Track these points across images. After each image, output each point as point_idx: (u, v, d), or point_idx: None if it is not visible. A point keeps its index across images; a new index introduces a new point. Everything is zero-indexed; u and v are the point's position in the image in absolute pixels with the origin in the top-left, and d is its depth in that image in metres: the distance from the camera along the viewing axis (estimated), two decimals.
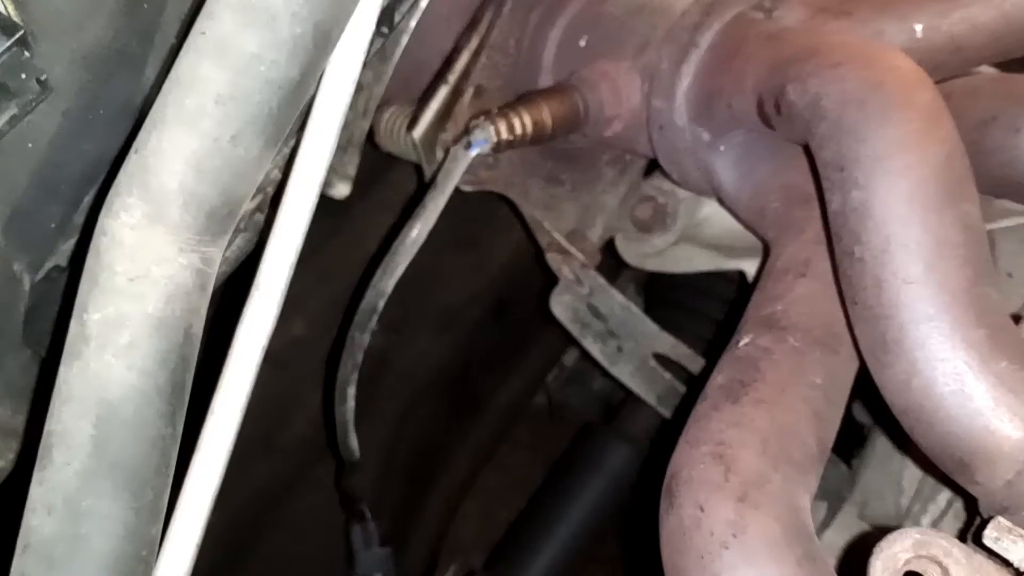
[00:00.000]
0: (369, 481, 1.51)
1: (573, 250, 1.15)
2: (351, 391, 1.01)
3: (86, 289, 0.57)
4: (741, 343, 0.80)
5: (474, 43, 1.08)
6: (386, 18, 0.93)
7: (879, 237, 0.70)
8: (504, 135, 0.98)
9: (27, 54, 0.53)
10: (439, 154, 1.08)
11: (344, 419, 1.03)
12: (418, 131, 1.08)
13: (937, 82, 0.83)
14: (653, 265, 1.19)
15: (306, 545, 1.38)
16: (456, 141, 1.01)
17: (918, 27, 0.91)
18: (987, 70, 0.95)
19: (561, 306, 1.21)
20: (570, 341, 1.74)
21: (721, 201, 1.01)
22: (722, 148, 0.98)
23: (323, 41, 0.58)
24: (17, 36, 0.52)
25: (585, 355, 1.75)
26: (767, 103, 0.87)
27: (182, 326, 0.58)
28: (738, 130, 0.95)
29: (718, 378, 0.77)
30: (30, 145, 0.61)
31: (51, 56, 0.58)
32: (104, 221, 0.58)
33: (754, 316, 0.83)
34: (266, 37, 0.55)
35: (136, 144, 0.58)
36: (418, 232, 0.95)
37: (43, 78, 0.54)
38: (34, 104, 0.55)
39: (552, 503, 1.45)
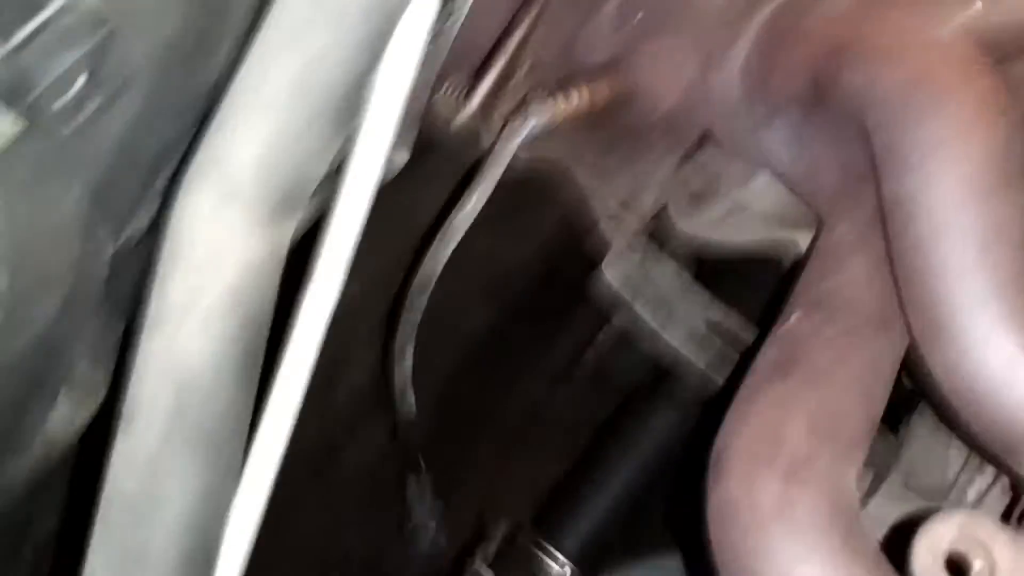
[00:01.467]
0: (421, 438, 1.56)
1: (620, 223, 1.16)
2: (409, 349, 1.04)
3: (166, 261, 0.61)
4: (792, 319, 0.81)
5: (531, 16, 1.09)
6: None
7: (933, 221, 0.71)
8: (562, 110, 0.99)
9: (114, 46, 0.56)
10: (496, 126, 1.10)
11: (403, 376, 1.06)
12: (475, 102, 1.10)
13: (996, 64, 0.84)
14: (705, 236, 1.20)
15: (355, 501, 1.43)
16: (512, 113, 1.03)
17: (978, 4, 0.90)
18: None
19: (613, 272, 1.22)
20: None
21: (775, 175, 1.01)
22: (777, 123, 0.98)
23: (386, 33, 0.60)
24: (105, 29, 0.55)
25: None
26: (822, 84, 0.87)
27: (257, 298, 0.61)
28: (793, 106, 0.95)
29: (768, 353, 0.79)
30: (114, 127, 0.64)
31: (135, 46, 0.61)
32: (183, 198, 0.61)
33: (805, 292, 0.85)
34: (337, 30, 0.57)
35: (214, 124, 0.61)
36: (475, 203, 0.98)
37: (129, 70, 0.57)
38: (121, 94, 0.58)
39: (598, 466, 1.48)
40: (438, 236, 0.99)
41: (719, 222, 1.18)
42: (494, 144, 1.01)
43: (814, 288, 0.84)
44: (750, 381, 0.76)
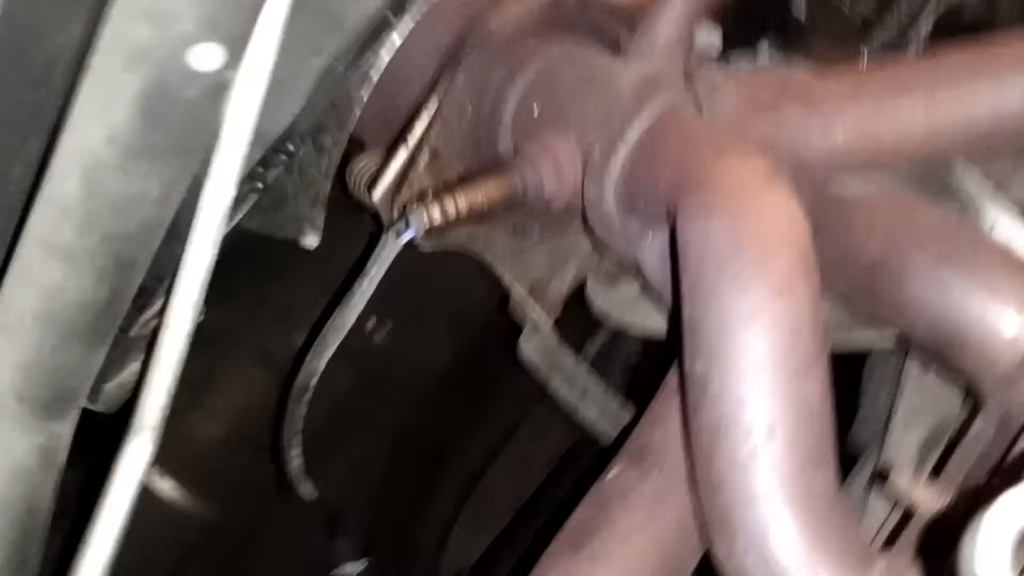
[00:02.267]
0: (376, 475, 1.62)
1: (531, 306, 1.17)
2: (295, 452, 1.08)
3: None
4: (609, 475, 0.82)
5: (431, 108, 1.09)
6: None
7: (713, 413, 0.71)
8: (437, 221, 1.00)
9: None
10: (395, 214, 1.11)
11: (292, 476, 1.11)
12: (377, 194, 1.11)
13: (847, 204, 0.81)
14: (616, 316, 1.20)
15: (300, 545, 1.50)
16: (401, 217, 1.04)
17: (839, 132, 0.87)
18: None
19: (528, 350, 1.24)
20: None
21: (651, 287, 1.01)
22: (649, 240, 0.97)
23: (128, 265, 0.62)
24: None
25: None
26: (671, 221, 0.86)
27: (25, 505, 0.66)
28: (661, 229, 0.94)
29: (576, 516, 0.80)
30: None
31: None
32: None
33: (634, 441, 0.85)
34: (67, 269, 0.60)
35: None
36: (347, 318, 1.00)
37: None
38: None
39: (536, 514, 1.52)
40: (311, 351, 1.02)
41: (631, 303, 1.18)
42: (375, 250, 1.03)
43: (641, 436, 0.85)
44: (550, 548, 0.78)
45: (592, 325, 1.82)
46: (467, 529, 1.82)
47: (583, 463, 1.56)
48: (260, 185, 0.88)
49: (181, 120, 0.57)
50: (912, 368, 1.03)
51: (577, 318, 1.30)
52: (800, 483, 0.69)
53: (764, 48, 1.35)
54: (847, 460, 1.07)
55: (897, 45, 1.30)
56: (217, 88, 0.57)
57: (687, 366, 0.74)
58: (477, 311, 1.66)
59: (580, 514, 0.80)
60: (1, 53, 0.65)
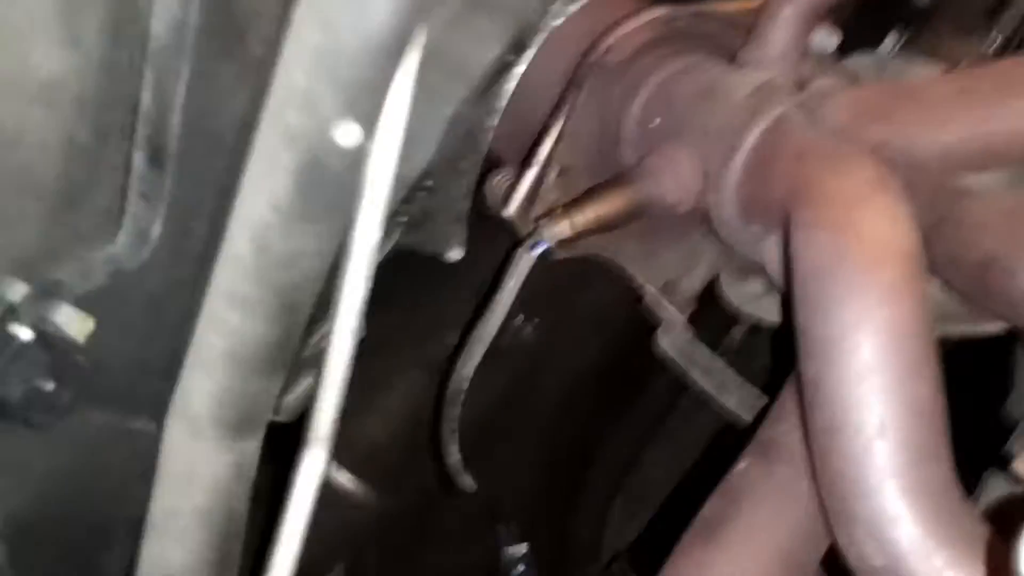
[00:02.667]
0: (531, 468, 1.71)
1: (663, 304, 1.23)
2: (453, 448, 1.19)
3: (158, 479, 0.79)
4: (737, 468, 0.88)
5: (557, 126, 1.17)
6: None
7: (825, 413, 0.76)
8: (566, 234, 1.07)
9: None
10: (528, 228, 1.19)
11: (452, 470, 1.21)
12: (509, 211, 1.20)
13: (959, 202, 0.84)
14: (750, 310, 1.24)
15: (464, 534, 1.61)
16: (532, 231, 1.12)
17: (950, 136, 0.89)
18: None
19: (665, 344, 1.30)
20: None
21: (776, 287, 1.05)
22: (772, 240, 1.01)
23: (295, 309, 0.73)
24: None
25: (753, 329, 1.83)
26: (783, 228, 0.90)
27: (224, 512, 0.78)
28: (780, 231, 0.98)
29: (707, 508, 0.87)
30: None
31: None
32: (166, 432, 0.79)
33: (761, 435, 0.91)
34: (247, 316, 0.72)
35: (183, 375, 0.78)
36: (489, 328, 1.09)
37: None
38: None
39: (693, 493, 1.58)
40: (458, 360, 1.11)
41: (758, 298, 1.22)
42: (511, 264, 1.11)
43: (768, 430, 0.90)
44: (684, 538, 0.85)
45: (728, 320, 1.86)
46: (624, 512, 1.89)
47: (733, 445, 1.60)
48: (404, 218, 0.98)
49: (330, 188, 0.67)
50: None
51: (714, 313, 1.35)
52: (912, 476, 0.73)
53: (888, 44, 1.36)
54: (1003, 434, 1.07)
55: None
56: (358, 157, 0.66)
57: (801, 368, 0.79)
58: (621, 305, 1.73)
59: (711, 506, 0.86)
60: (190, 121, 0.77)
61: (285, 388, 1.04)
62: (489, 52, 0.91)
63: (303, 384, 1.09)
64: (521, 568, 1.40)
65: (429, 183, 0.99)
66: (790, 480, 0.84)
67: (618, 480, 1.81)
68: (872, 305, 0.75)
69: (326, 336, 0.91)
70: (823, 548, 0.84)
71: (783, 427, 0.89)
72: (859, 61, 1.16)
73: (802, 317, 0.79)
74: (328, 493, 0.86)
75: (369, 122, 0.67)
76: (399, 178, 0.74)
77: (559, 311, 1.70)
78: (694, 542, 0.83)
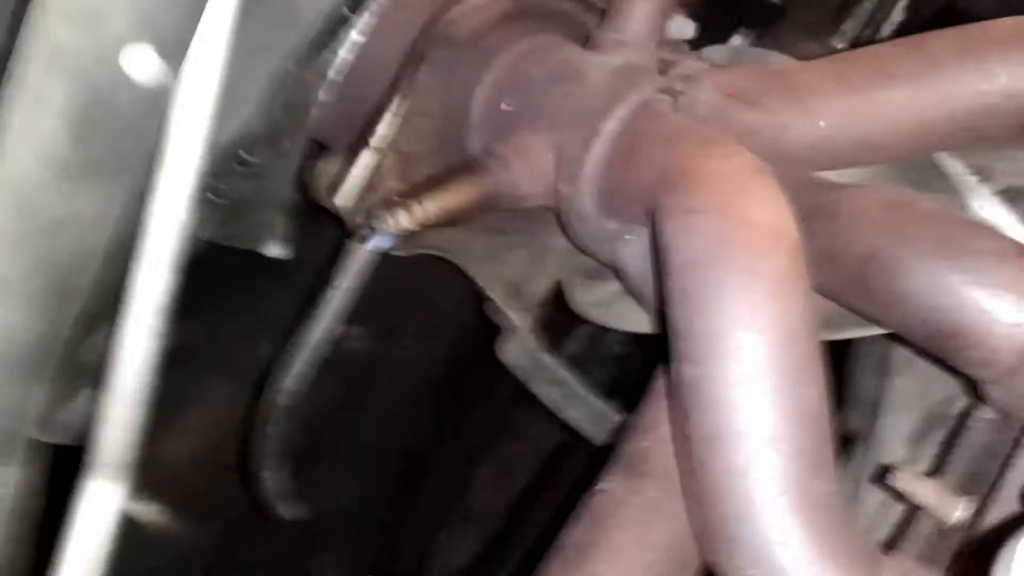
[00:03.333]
0: (357, 487, 1.57)
1: (508, 309, 1.12)
2: (267, 474, 1.03)
3: None
4: (600, 487, 0.78)
5: (394, 106, 1.04)
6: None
7: (706, 420, 0.67)
8: (406, 226, 0.95)
9: None
10: (360, 220, 1.06)
11: (267, 497, 1.06)
12: (339, 199, 1.06)
13: (833, 193, 0.78)
14: (596, 316, 1.15)
15: (279, 564, 1.45)
16: (368, 222, 0.99)
17: (823, 124, 0.83)
18: None
19: (507, 353, 1.20)
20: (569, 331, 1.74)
21: (630, 287, 0.96)
22: (628, 239, 0.93)
23: (64, 293, 0.57)
24: None
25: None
26: (650, 218, 0.82)
27: None
28: (641, 226, 0.90)
29: (568, 532, 0.76)
30: None
31: None
32: None
33: (623, 451, 0.81)
34: (1, 303, 0.55)
35: None
36: (317, 332, 0.95)
37: None
38: None
39: (528, 514, 1.49)
40: (280, 369, 0.97)
41: (608, 304, 1.14)
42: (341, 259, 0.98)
43: (631, 444, 0.80)
44: (543, 570, 0.74)
45: (572, 323, 1.79)
46: (451, 537, 1.78)
47: (568, 467, 1.52)
48: (214, 197, 0.83)
49: (119, 133, 0.52)
50: (900, 354, 1.00)
51: (557, 316, 1.27)
52: (802, 491, 0.65)
53: (738, 40, 1.32)
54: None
55: (871, 28, 1.27)
56: (156, 96, 0.52)
57: (676, 371, 0.70)
58: (457, 313, 1.62)
59: (572, 530, 0.75)
60: None
61: (55, 401, 0.86)
62: (324, 0, 0.78)
63: (80, 397, 0.91)
64: None
65: (247, 157, 0.84)
66: (659, 498, 0.75)
67: (448, 501, 1.70)
68: (760, 297, 0.67)
69: (115, 340, 0.76)
70: (696, 568, 0.75)
71: (648, 440, 0.80)
72: (714, 52, 1.10)
73: (679, 312, 0.70)
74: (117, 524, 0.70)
75: (173, 53, 0.53)
76: (211, 141, 0.60)
77: (389, 319, 1.57)
78: (555, 571, 0.72)
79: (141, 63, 0.51)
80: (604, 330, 1.82)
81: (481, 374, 1.72)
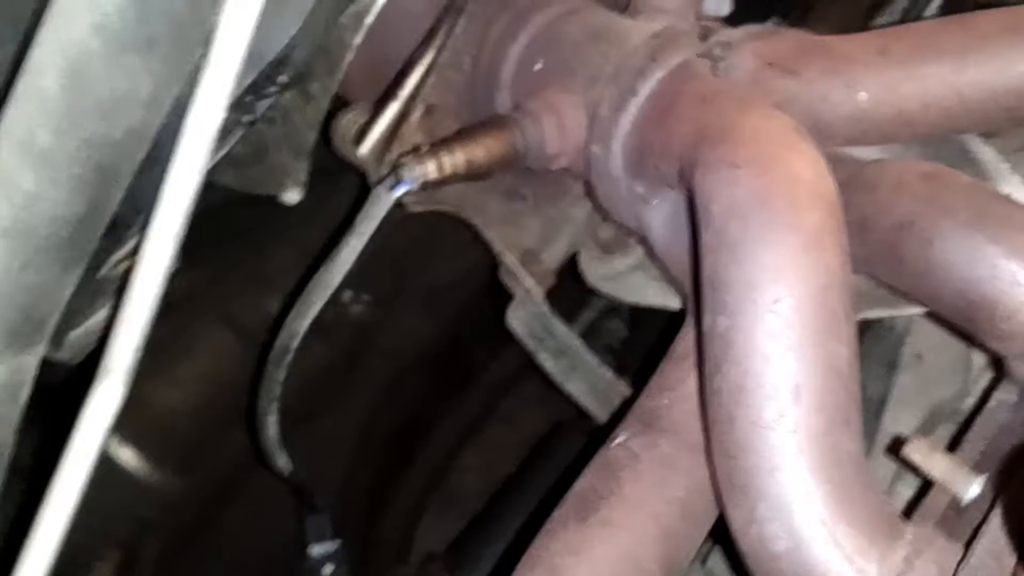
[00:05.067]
0: (345, 457, 1.55)
1: (523, 274, 1.11)
2: (271, 419, 1.02)
3: None
4: (615, 442, 0.77)
5: (427, 58, 1.04)
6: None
7: (737, 371, 0.66)
8: (432, 176, 0.94)
9: None
10: (384, 171, 1.05)
11: (267, 445, 1.04)
12: (364, 148, 1.05)
13: (869, 165, 0.78)
14: (609, 289, 1.15)
15: (265, 524, 1.43)
16: (395, 168, 0.98)
17: (863, 96, 0.83)
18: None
19: (516, 320, 1.18)
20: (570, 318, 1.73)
21: (652, 251, 0.96)
22: (655, 202, 0.93)
23: (110, 176, 0.56)
24: None
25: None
26: (684, 177, 0.81)
27: None
28: (670, 189, 0.90)
29: (581, 482, 0.75)
30: None
31: None
32: None
33: (640, 406, 0.80)
34: (43, 176, 0.54)
35: None
36: (334, 276, 0.94)
37: None
38: None
39: (512, 498, 1.47)
40: (293, 309, 0.95)
41: (623, 276, 1.13)
42: (364, 206, 0.97)
43: (649, 401, 0.80)
44: (555, 515, 0.73)
45: (580, 300, 1.78)
46: (435, 514, 1.76)
47: (557, 451, 1.50)
48: (248, 117, 0.82)
49: (179, 11, 0.51)
50: (906, 351, 1.00)
51: (567, 292, 1.26)
52: (825, 448, 0.64)
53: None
54: None
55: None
56: None
57: (707, 323, 0.69)
58: (456, 291, 1.61)
59: (586, 480, 0.74)
60: None
61: (71, 317, 0.85)
62: None
63: (95, 316, 0.90)
64: (330, 568, 1.23)
65: (283, 79, 0.83)
66: (675, 452, 0.75)
67: (433, 480, 1.68)
68: (796, 250, 0.66)
69: (132, 254, 0.75)
70: (710, 523, 0.74)
71: (667, 398, 0.79)
72: (750, 29, 1.10)
73: (715, 263, 0.69)
74: (105, 469, 0.69)
75: None
76: (253, 49, 0.59)
77: (392, 289, 1.56)
78: (568, 520, 0.71)
79: None
80: (605, 316, 1.82)
81: (475, 355, 1.71)
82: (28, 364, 0.61)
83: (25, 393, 0.62)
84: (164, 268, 0.65)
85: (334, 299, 1.02)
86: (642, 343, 1.63)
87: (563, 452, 1.45)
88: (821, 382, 0.65)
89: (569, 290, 1.20)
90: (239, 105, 0.80)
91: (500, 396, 1.81)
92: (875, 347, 1.12)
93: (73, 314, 0.83)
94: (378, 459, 1.60)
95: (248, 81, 0.76)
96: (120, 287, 0.72)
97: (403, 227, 1.07)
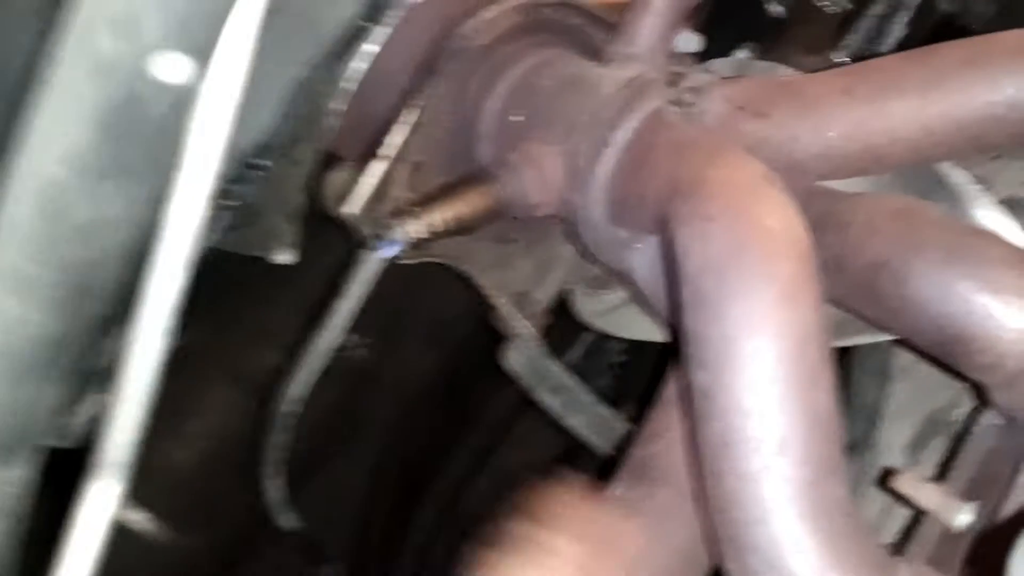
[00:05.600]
0: (358, 500, 1.57)
1: (516, 318, 1.13)
2: (276, 482, 1.04)
3: None
4: (611, 493, 0.79)
5: (408, 118, 1.05)
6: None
7: (721, 426, 0.68)
8: (419, 234, 0.96)
9: None
10: (372, 229, 1.07)
11: (274, 506, 1.06)
12: (352, 208, 1.07)
13: (842, 201, 0.79)
14: (602, 324, 1.16)
15: None
16: (383, 230, 1.00)
17: (832, 134, 0.84)
18: None
19: (513, 361, 1.20)
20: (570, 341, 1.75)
21: (641, 295, 0.97)
22: (638, 247, 0.94)
23: (92, 295, 0.58)
24: None
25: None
26: (663, 227, 0.83)
27: None
28: (652, 234, 0.91)
29: None
30: None
31: None
32: None
33: (634, 456, 0.82)
34: (26, 302, 0.56)
35: None
36: (328, 340, 0.96)
37: None
38: None
39: None
40: (292, 377, 0.97)
41: (614, 311, 1.15)
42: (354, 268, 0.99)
43: (642, 449, 0.81)
44: None
45: (576, 330, 1.80)
46: (450, 549, 1.78)
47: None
48: (233, 203, 0.83)
49: (147, 136, 0.53)
50: (900, 361, 1.01)
51: (559, 326, 1.28)
52: (814, 496, 0.66)
53: (742, 55, 1.34)
54: None
55: (873, 43, 1.29)
56: (184, 99, 0.53)
57: (691, 377, 0.71)
58: (458, 325, 1.63)
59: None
60: None
61: (71, 406, 0.87)
62: (342, 9, 0.79)
63: (93, 402, 0.91)
64: None
65: (265, 162, 0.85)
66: (669, 505, 0.76)
67: (447, 511, 1.70)
68: (773, 302, 0.68)
69: (126, 341, 0.76)
70: (707, 565, 0.75)
71: (659, 446, 0.80)
72: (720, 65, 1.12)
73: (693, 318, 0.71)
74: (118, 533, 0.71)
75: (201, 58, 0.53)
76: (231, 145, 0.61)
77: (393, 328, 1.58)
78: None
79: (172, 66, 0.52)
80: (604, 340, 1.84)
81: (481, 385, 1.72)
82: (18, 477, 0.63)
83: (19, 508, 0.64)
84: (154, 363, 0.67)
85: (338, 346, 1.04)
86: (644, 365, 1.64)
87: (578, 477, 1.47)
88: (805, 433, 0.66)
89: (570, 311, 1.22)
90: (222, 194, 0.82)
91: (512, 421, 1.82)
92: (868, 358, 1.13)
93: (69, 403, 0.85)
94: (391, 499, 1.62)
95: (228, 173, 0.78)
96: (114, 374, 0.74)
97: (400, 266, 1.09)
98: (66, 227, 0.54)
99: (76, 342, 0.61)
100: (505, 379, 1.74)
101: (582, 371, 1.86)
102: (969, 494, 0.77)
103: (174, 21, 0.51)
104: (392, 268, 1.07)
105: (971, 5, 1.39)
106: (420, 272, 1.56)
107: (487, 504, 1.82)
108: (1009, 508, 0.72)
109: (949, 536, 0.76)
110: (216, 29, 0.54)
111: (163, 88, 0.52)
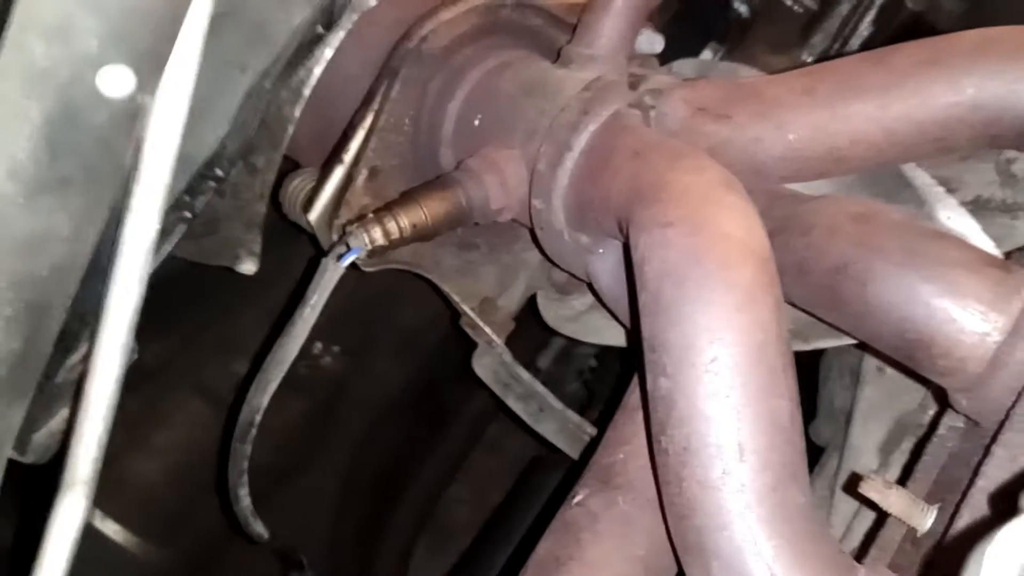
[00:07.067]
0: (331, 507, 1.56)
1: (481, 323, 1.12)
2: (243, 492, 1.02)
3: None
4: (574, 501, 0.78)
5: (367, 122, 1.04)
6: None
7: (681, 433, 0.67)
8: (379, 242, 0.95)
9: None
10: (334, 236, 1.06)
11: (243, 516, 1.04)
12: (313, 215, 1.06)
13: (804, 205, 0.79)
14: (569, 330, 1.16)
15: None
16: (341, 238, 0.99)
17: (793, 136, 0.84)
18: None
19: (482, 368, 1.19)
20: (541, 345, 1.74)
21: (602, 300, 0.97)
22: (600, 252, 0.94)
23: (42, 311, 0.57)
24: None
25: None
26: (623, 231, 0.82)
27: None
28: (612, 239, 0.91)
29: (543, 546, 0.76)
30: None
31: None
32: None
33: (596, 463, 0.81)
34: None
35: None
36: (290, 349, 0.95)
37: None
38: None
39: (498, 534, 1.49)
40: (253, 384, 0.96)
41: (581, 317, 1.14)
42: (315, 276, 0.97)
43: (605, 458, 0.81)
44: None
45: (544, 338, 1.80)
46: (427, 555, 1.77)
47: (543, 482, 1.51)
48: (188, 214, 0.82)
49: (91, 149, 0.52)
50: (870, 364, 1.01)
51: (530, 330, 1.27)
52: (774, 502, 0.65)
53: (707, 55, 1.34)
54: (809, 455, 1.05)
55: (839, 42, 1.29)
56: (130, 113, 0.52)
57: (650, 384, 0.70)
58: (427, 333, 1.62)
59: (547, 544, 0.75)
60: None
61: (33, 421, 0.85)
62: (295, 16, 0.78)
63: (57, 417, 0.90)
64: None
65: (219, 173, 0.84)
66: (633, 510, 0.76)
67: (422, 517, 1.69)
68: (731, 309, 0.67)
69: (86, 357, 0.75)
70: (672, 572, 0.75)
71: (622, 452, 0.80)
72: (683, 66, 1.11)
73: (652, 325, 0.70)
74: (90, 544, 0.70)
75: (147, 70, 0.52)
76: (184, 156, 0.60)
77: (362, 337, 1.57)
78: None
79: (115, 80, 0.51)
80: (575, 344, 1.83)
81: (454, 391, 1.72)
82: None
83: None
84: (115, 378, 0.66)
85: (305, 353, 1.02)
86: (614, 370, 1.65)
87: (552, 479, 1.47)
88: (765, 439, 0.66)
89: (539, 318, 1.21)
90: (177, 205, 0.80)
91: (484, 426, 1.82)
92: (839, 360, 1.13)
93: (33, 419, 0.84)
94: (364, 505, 1.61)
95: (182, 185, 0.77)
96: (76, 391, 0.73)
97: (367, 276, 1.08)
98: (13, 242, 0.53)
99: (38, 360, 0.60)
100: (476, 384, 1.74)
101: (554, 376, 1.86)
102: (932, 496, 0.77)
103: (116, 31, 0.50)
104: (362, 279, 1.06)
105: (939, 2, 1.40)
106: (389, 283, 1.55)
107: (464, 509, 1.82)
108: (969, 510, 0.72)
109: (914, 539, 0.76)
110: (162, 40, 0.53)
111: (104, 100, 0.50)
